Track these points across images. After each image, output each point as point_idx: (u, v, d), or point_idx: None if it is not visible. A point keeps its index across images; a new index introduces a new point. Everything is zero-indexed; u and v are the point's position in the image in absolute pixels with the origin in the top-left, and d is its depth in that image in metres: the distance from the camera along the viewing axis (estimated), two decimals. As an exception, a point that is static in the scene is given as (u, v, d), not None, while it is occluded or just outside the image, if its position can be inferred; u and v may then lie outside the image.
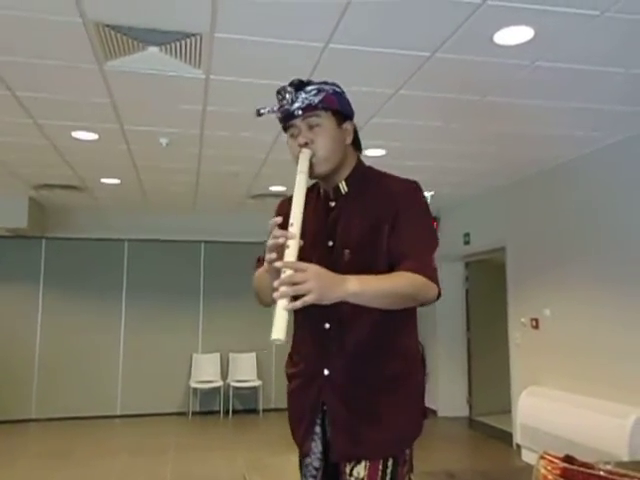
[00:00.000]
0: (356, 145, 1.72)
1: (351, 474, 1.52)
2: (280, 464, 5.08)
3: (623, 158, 4.51)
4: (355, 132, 1.70)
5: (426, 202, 1.65)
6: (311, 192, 1.72)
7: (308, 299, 1.29)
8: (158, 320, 7.73)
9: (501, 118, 4.08)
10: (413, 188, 1.64)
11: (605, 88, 3.51)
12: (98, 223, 7.65)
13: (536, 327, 5.51)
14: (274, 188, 6.38)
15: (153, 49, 3.00)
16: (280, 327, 1.27)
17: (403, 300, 1.47)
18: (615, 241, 4.55)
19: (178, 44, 2.94)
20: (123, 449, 5.94)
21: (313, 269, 1.33)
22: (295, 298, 1.30)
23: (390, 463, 1.52)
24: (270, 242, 1.41)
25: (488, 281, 7.27)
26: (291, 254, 1.37)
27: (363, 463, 1.51)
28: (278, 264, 1.36)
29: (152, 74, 3.31)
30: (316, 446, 1.62)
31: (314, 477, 1.63)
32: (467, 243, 6.90)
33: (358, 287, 1.38)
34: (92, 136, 4.47)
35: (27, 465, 5.33)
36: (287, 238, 1.38)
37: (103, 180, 6.02)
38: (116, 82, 3.43)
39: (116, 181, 6.07)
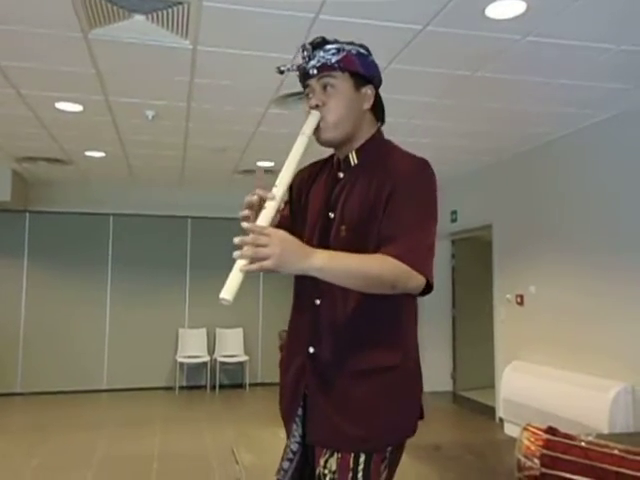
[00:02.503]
0: (377, 114, 1.59)
1: (325, 466, 1.43)
2: (267, 437, 5.13)
3: (611, 136, 4.52)
4: (378, 99, 1.58)
5: (431, 183, 1.47)
6: (325, 163, 1.66)
7: (265, 264, 1.23)
8: (144, 295, 7.71)
9: (491, 94, 4.06)
10: (417, 166, 1.47)
11: (595, 64, 3.50)
12: (83, 197, 7.55)
13: (521, 303, 5.57)
14: (262, 163, 6.33)
15: (139, 17, 2.93)
16: (230, 287, 1.22)
17: (376, 285, 1.35)
18: (602, 219, 4.58)
19: (165, 12, 2.88)
20: (110, 422, 5.96)
21: (278, 235, 1.26)
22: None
23: (362, 460, 1.40)
24: (247, 198, 1.36)
25: (474, 258, 7.33)
26: (265, 216, 1.31)
27: (335, 455, 1.42)
28: (244, 224, 1.30)
29: (138, 44, 3.24)
30: (297, 429, 1.54)
31: (290, 461, 1.55)
32: (454, 221, 6.92)
33: (324, 262, 1.29)
34: (76, 107, 4.38)
35: (13, 438, 5.33)
36: (266, 199, 1.33)
37: (88, 153, 5.93)
38: (101, 51, 3.35)
39: (101, 154, 5.98)
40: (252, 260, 1.23)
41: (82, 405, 6.83)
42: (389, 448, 1.45)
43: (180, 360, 7.60)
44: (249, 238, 1.23)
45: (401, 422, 1.47)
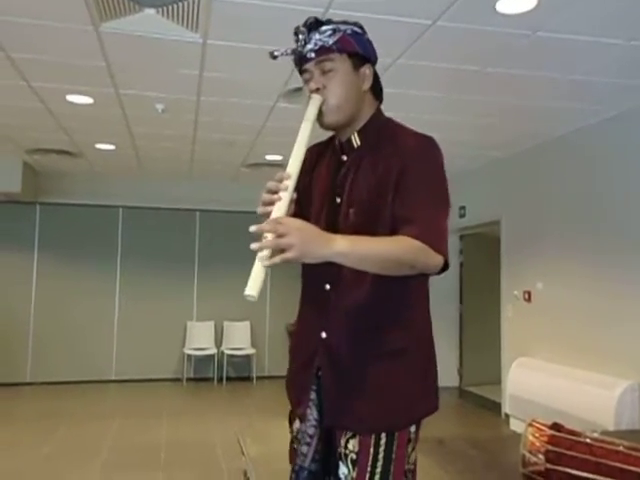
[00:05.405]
0: (376, 93, 1.55)
1: (346, 446, 1.43)
2: (273, 429, 5.16)
3: (621, 132, 4.49)
4: (376, 78, 1.53)
5: (440, 160, 1.46)
6: (327, 146, 1.63)
7: (288, 255, 1.20)
8: (153, 287, 7.76)
9: (501, 89, 4.04)
10: (425, 143, 1.46)
11: (606, 60, 3.48)
12: (93, 189, 7.60)
13: (528, 300, 5.56)
14: (270, 157, 6.35)
15: (149, 11, 2.94)
16: (255, 283, 1.20)
17: (398, 266, 1.34)
18: (610, 215, 4.56)
19: (175, 6, 2.89)
20: (118, 413, 6.02)
21: (295, 223, 1.24)
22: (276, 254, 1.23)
23: (383, 441, 1.41)
24: (264, 196, 1.32)
25: (482, 254, 7.30)
26: (281, 207, 1.29)
27: (357, 437, 1.42)
28: (260, 209, 1.30)
29: (148, 37, 3.25)
30: (311, 413, 1.51)
31: (308, 444, 1.52)
32: (462, 216, 6.91)
33: (346, 247, 1.27)
34: (87, 100, 4.41)
35: (23, 427, 5.40)
36: (279, 190, 1.31)
37: (98, 146, 5.97)
38: (111, 44, 3.37)
39: (111, 147, 6.02)
40: (272, 253, 1.21)
41: (91, 395, 6.90)
42: (412, 428, 1.45)
43: (188, 352, 7.66)
44: (267, 227, 1.21)
45: (419, 401, 1.48)
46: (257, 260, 1.21)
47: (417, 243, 1.32)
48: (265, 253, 1.21)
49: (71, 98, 4.36)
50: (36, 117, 4.89)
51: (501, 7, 2.83)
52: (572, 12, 2.87)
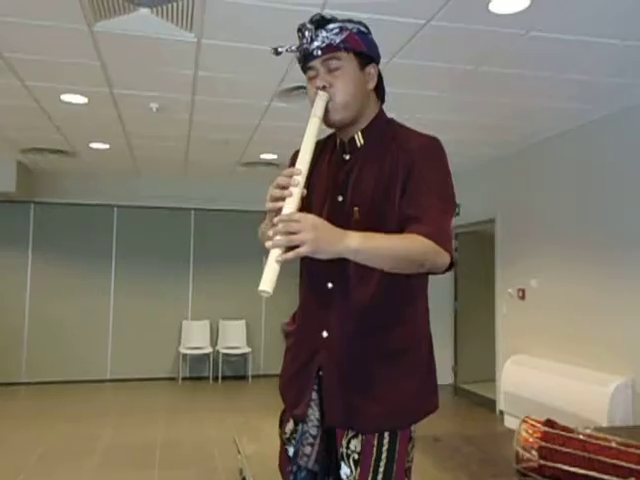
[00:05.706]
0: (379, 93, 1.58)
1: (348, 447, 1.43)
2: (268, 427, 5.18)
3: (615, 131, 4.52)
4: (380, 78, 1.55)
5: (445, 161, 1.48)
6: (327, 144, 1.62)
7: (302, 251, 1.22)
8: (148, 287, 7.75)
9: (495, 89, 4.06)
10: (431, 143, 1.47)
11: (599, 60, 3.50)
12: (87, 189, 7.58)
13: (522, 298, 5.59)
14: (265, 156, 6.35)
15: (144, 10, 2.94)
16: (269, 279, 1.21)
17: (408, 264, 1.34)
18: (605, 214, 4.59)
19: (169, 6, 2.89)
20: (113, 412, 6.02)
21: (309, 219, 1.25)
22: (289, 250, 1.23)
23: (386, 440, 1.41)
24: (274, 191, 1.32)
25: (477, 252, 7.33)
26: (292, 202, 1.29)
27: (360, 437, 1.42)
28: (270, 206, 1.30)
29: (142, 36, 3.25)
30: (313, 413, 1.50)
31: (311, 445, 1.51)
32: (457, 214, 6.92)
33: (359, 243, 1.27)
34: (81, 99, 4.40)
35: (18, 426, 5.39)
36: (290, 186, 1.30)
37: (92, 145, 5.95)
38: (106, 44, 3.37)
39: (105, 146, 6.00)
40: (286, 249, 1.22)
41: (86, 395, 6.89)
42: (413, 427, 1.46)
43: (183, 351, 7.66)
44: (280, 227, 1.22)
45: (421, 400, 1.49)
46: (270, 255, 1.23)
47: (427, 241, 1.33)
48: (278, 250, 1.22)
49: (65, 97, 4.35)
50: (30, 116, 4.88)
51: (494, 7, 2.85)
52: (565, 12, 2.89)
